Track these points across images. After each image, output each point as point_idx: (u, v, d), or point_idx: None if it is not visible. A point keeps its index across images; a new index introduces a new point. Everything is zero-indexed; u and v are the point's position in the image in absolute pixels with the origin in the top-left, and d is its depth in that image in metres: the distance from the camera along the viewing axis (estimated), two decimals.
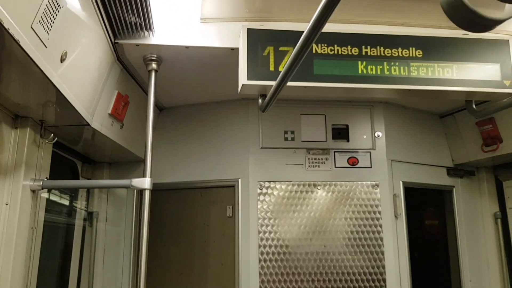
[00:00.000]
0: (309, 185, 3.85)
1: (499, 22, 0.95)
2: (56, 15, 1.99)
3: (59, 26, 2.06)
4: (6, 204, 2.55)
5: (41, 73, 2.03)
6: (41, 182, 2.76)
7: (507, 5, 0.99)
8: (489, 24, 0.95)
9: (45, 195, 3.15)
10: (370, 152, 4.02)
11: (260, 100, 2.93)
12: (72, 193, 3.85)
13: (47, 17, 1.93)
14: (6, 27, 1.64)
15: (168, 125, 4.17)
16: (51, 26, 1.98)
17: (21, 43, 1.76)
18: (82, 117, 2.70)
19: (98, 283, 3.90)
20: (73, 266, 3.73)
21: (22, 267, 2.62)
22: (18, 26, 1.72)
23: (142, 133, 3.56)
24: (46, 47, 1.98)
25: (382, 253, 3.77)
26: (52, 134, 2.84)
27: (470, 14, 0.92)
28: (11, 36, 1.69)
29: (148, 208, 2.86)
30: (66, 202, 3.82)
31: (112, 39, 2.85)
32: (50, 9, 1.93)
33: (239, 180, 3.84)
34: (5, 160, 2.59)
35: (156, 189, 2.95)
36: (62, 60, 2.20)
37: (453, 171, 4.47)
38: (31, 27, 1.83)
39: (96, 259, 3.91)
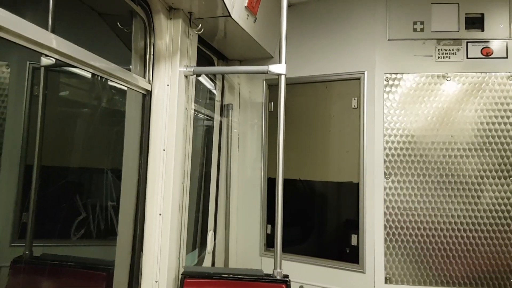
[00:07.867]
0: (438, 76, 3.79)
1: None
2: None
3: None
4: (167, 85, 2.98)
5: None
6: (192, 68, 3.14)
7: None
8: None
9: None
10: (506, 42, 3.79)
11: None
12: (207, 88, 4.26)
13: None
14: None
15: (295, 22, 4.27)
16: None
17: None
18: (226, 7, 2.94)
19: (234, 166, 4.43)
20: (214, 152, 4.24)
21: (181, 140, 3.09)
22: None
23: (272, 29, 3.75)
24: None
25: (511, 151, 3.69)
26: (200, 25, 3.15)
27: None
28: None
29: (284, 93, 3.10)
30: (206, 94, 4.26)
31: None
32: None
33: (365, 72, 3.90)
34: (164, 47, 2.98)
35: None
36: None
37: None
38: None
39: (232, 144, 4.40)
